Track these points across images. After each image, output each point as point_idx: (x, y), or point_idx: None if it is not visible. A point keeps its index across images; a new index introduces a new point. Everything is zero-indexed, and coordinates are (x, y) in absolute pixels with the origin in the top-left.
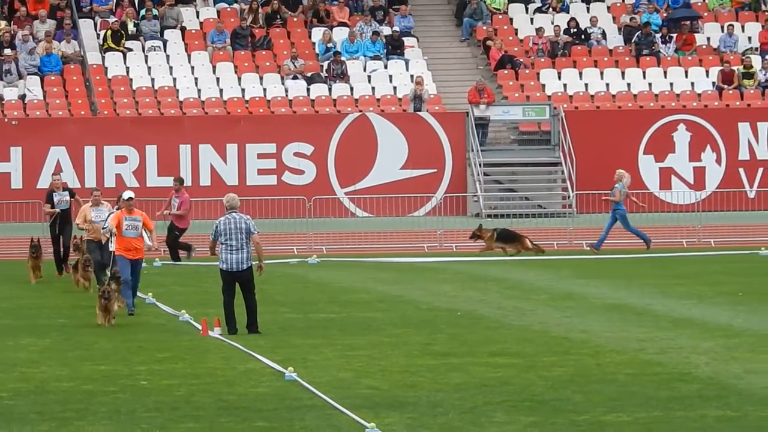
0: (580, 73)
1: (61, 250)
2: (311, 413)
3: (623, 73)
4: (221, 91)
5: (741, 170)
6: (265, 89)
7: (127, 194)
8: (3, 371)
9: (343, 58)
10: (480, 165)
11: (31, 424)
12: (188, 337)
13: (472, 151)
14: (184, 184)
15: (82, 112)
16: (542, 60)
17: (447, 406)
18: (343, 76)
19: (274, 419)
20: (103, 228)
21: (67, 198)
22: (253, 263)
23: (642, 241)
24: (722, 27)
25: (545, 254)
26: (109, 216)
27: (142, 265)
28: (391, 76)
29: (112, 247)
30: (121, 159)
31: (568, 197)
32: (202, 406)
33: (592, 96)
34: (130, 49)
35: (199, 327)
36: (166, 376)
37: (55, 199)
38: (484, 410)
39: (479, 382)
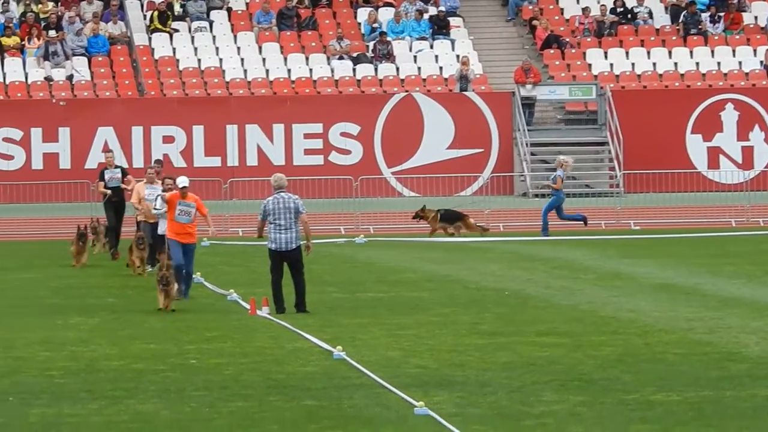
0: (627, 53)
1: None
2: (360, 392)
3: (670, 53)
4: (267, 71)
5: None
6: (311, 69)
7: (181, 181)
8: (53, 350)
9: (388, 39)
10: (527, 144)
11: (81, 403)
12: (236, 317)
13: (519, 130)
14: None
15: (129, 93)
16: (588, 39)
17: (495, 385)
18: (389, 56)
19: (323, 398)
20: (154, 209)
21: (119, 176)
22: (301, 243)
23: (580, 222)
24: None
25: (488, 234)
26: (158, 197)
27: (194, 250)
28: (437, 56)
29: (161, 229)
30: (168, 139)
31: (615, 176)
32: (250, 384)
33: (639, 75)
34: (177, 30)
35: (248, 306)
36: (214, 355)
37: (107, 177)
38: (533, 389)
39: (527, 362)
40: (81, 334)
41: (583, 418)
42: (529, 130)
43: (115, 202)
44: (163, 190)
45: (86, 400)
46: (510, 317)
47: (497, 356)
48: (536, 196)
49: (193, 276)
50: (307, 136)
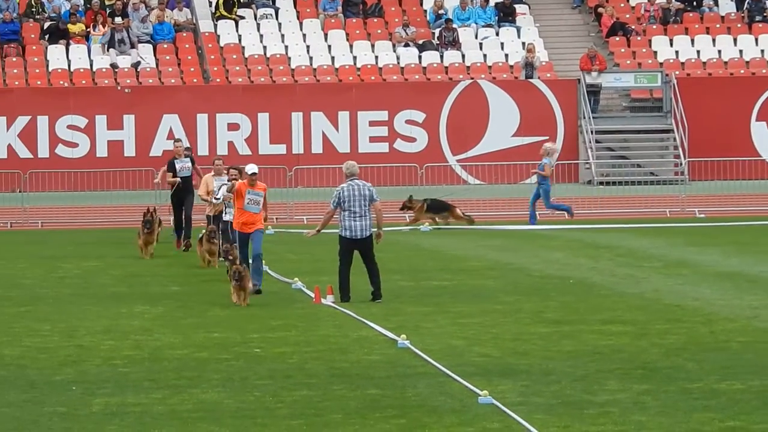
0: (692, 40)
1: (183, 220)
2: (423, 381)
3: (735, 40)
4: (333, 58)
5: None
6: (376, 57)
7: (250, 168)
8: (117, 339)
9: (454, 26)
10: (592, 132)
11: (145, 392)
12: (301, 305)
13: (584, 118)
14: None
15: (195, 80)
16: (654, 27)
17: (559, 373)
18: (455, 44)
19: (387, 386)
20: (215, 198)
21: (189, 165)
22: (372, 231)
23: (565, 212)
24: None
25: (475, 224)
26: (222, 186)
27: (261, 235)
28: (502, 44)
29: (227, 216)
30: (233, 127)
31: (680, 164)
32: (314, 373)
33: (704, 63)
34: (242, 17)
35: (312, 295)
36: (278, 344)
37: (177, 167)
38: (597, 378)
39: (591, 350)
40: (145, 322)
41: (646, 406)
42: (594, 118)
43: (184, 193)
44: (228, 181)
45: (150, 389)
46: (574, 305)
47: (561, 345)
48: (601, 183)
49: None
50: (372, 123)
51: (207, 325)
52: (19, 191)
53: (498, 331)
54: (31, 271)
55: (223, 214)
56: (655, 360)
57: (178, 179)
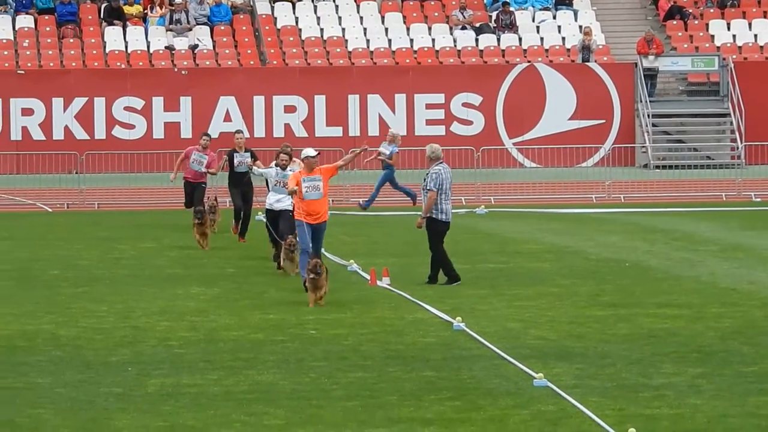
0: (750, 24)
1: (242, 217)
2: (479, 363)
3: None
4: (390, 41)
5: None
6: (433, 39)
7: (308, 151)
8: (173, 320)
9: (511, 9)
10: (648, 116)
11: (200, 373)
12: (356, 287)
13: (641, 101)
14: None
15: (252, 62)
16: (711, 11)
17: (615, 356)
18: (512, 27)
19: (442, 369)
20: (256, 168)
21: (249, 160)
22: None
23: (409, 198)
24: None
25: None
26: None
27: (324, 231)
28: (559, 27)
29: (266, 204)
30: (290, 109)
31: (737, 148)
32: (370, 355)
33: (761, 47)
34: None
35: (368, 277)
36: (334, 326)
37: (236, 161)
38: (652, 361)
39: (647, 333)
40: (200, 304)
41: (702, 390)
42: (650, 102)
43: (244, 187)
44: (277, 165)
45: (205, 370)
46: (630, 289)
47: (617, 328)
48: (657, 167)
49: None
50: (428, 106)
51: (263, 306)
52: (76, 172)
53: (554, 314)
54: (88, 252)
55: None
56: (711, 343)
57: (174, 176)
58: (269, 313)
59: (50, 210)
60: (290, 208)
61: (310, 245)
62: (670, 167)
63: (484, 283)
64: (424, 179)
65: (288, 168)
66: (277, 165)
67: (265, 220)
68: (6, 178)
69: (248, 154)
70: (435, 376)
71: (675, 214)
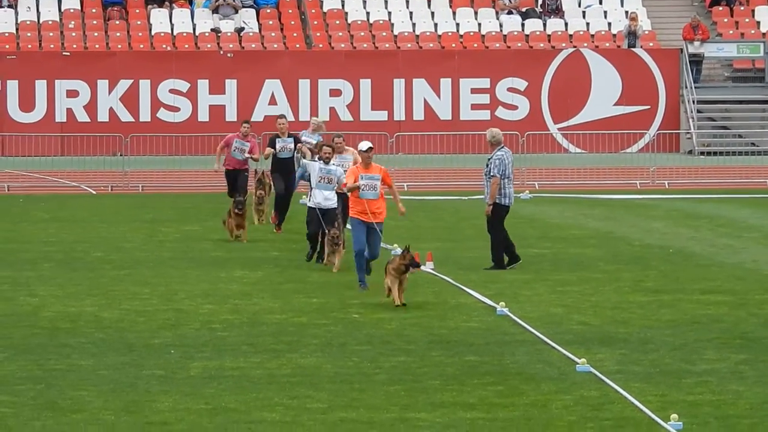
0: None
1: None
2: (522, 348)
3: None
4: (436, 25)
5: None
6: (479, 24)
7: (365, 144)
8: (216, 303)
9: None
10: (693, 102)
11: (243, 356)
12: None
13: (686, 87)
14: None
15: (297, 45)
16: None
17: (658, 342)
18: (558, 12)
19: (485, 353)
20: (298, 163)
21: (291, 146)
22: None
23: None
24: None
25: None
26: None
27: (381, 232)
28: (605, 12)
29: (310, 202)
30: (335, 92)
31: None
32: (413, 339)
33: None
34: None
35: None
36: (377, 310)
37: (278, 146)
38: (695, 347)
39: (690, 319)
40: (244, 287)
41: (744, 376)
42: (696, 88)
43: (285, 173)
44: (319, 158)
45: (248, 353)
46: (674, 275)
47: (660, 314)
48: (702, 153)
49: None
50: (474, 90)
51: (306, 290)
52: (120, 155)
53: (597, 300)
54: (132, 234)
55: (308, 197)
56: (754, 330)
57: (217, 166)
58: (312, 297)
59: (94, 192)
60: (336, 206)
61: (365, 247)
62: (715, 153)
63: (527, 269)
64: (487, 165)
65: (332, 161)
66: (320, 158)
67: (309, 205)
68: (51, 160)
69: (291, 139)
70: (478, 360)
71: (719, 201)
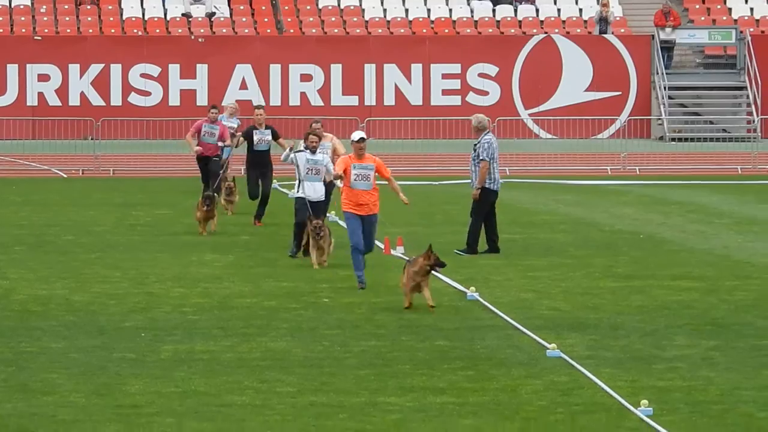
0: None
1: (260, 197)
2: (492, 333)
3: None
4: (407, 11)
5: None
6: (450, 10)
7: (357, 134)
8: (187, 286)
9: None
10: (665, 88)
11: (214, 339)
12: (370, 256)
13: (657, 74)
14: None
15: (268, 30)
16: None
17: (628, 328)
18: None
19: (455, 338)
20: (283, 158)
21: (269, 138)
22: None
23: None
24: None
25: None
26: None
27: (376, 224)
28: None
29: (299, 193)
30: (306, 77)
31: (753, 122)
32: (383, 324)
33: None
34: None
35: (382, 246)
36: (347, 294)
37: (255, 138)
38: (666, 333)
39: (661, 305)
40: (215, 270)
41: (715, 362)
42: (667, 74)
43: (262, 167)
44: (306, 148)
45: (218, 336)
46: (644, 261)
47: (631, 299)
48: (673, 140)
49: (328, 215)
50: (445, 76)
51: (276, 274)
52: (92, 139)
53: (568, 285)
54: (103, 218)
55: (295, 189)
56: (725, 316)
57: (199, 149)
58: (283, 281)
59: (65, 176)
60: (323, 198)
61: (362, 241)
62: (686, 140)
63: (498, 254)
64: (474, 149)
65: (318, 151)
66: (306, 148)
67: (298, 195)
68: (22, 144)
69: (269, 131)
70: (448, 345)
71: (690, 187)
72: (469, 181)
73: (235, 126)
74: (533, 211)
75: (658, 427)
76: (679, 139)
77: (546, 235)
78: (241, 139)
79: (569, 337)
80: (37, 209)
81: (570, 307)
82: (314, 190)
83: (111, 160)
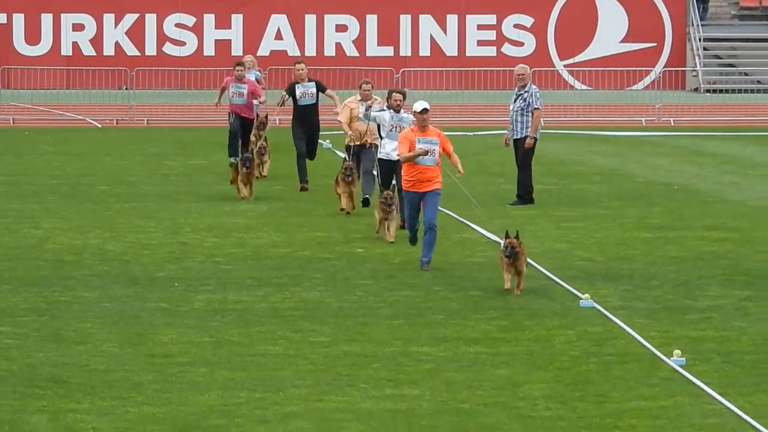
0: None
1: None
2: (526, 283)
3: None
4: None
5: None
6: None
7: (420, 105)
8: (221, 236)
9: None
10: (700, 39)
11: (247, 289)
12: None
13: (693, 25)
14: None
15: None
16: None
17: (661, 278)
18: None
19: (489, 289)
20: (363, 115)
21: (313, 90)
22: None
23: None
24: None
25: None
26: (380, 110)
27: (437, 199)
28: None
29: (380, 153)
30: (341, 28)
31: None
32: (417, 274)
33: None
34: None
35: None
36: (381, 245)
37: (298, 92)
38: (698, 284)
39: (694, 256)
40: (248, 221)
41: (748, 312)
42: (702, 25)
43: (308, 122)
44: (389, 107)
45: (252, 287)
46: (678, 212)
47: (664, 250)
48: (708, 91)
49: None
50: (480, 27)
51: (310, 224)
52: (126, 89)
53: (601, 236)
54: (137, 168)
55: (379, 147)
56: (758, 267)
57: (285, 95)
58: (317, 231)
59: (100, 126)
60: None
61: (415, 226)
62: (721, 91)
63: (532, 204)
64: (522, 99)
65: (375, 106)
66: (389, 107)
67: (379, 156)
68: (56, 94)
69: (312, 84)
70: (481, 295)
71: (724, 138)
72: (507, 132)
73: (253, 78)
74: (567, 162)
75: (691, 377)
76: (714, 91)
77: (580, 186)
78: (285, 95)
79: (602, 288)
80: (72, 159)
81: (604, 257)
82: (393, 149)
83: (145, 110)
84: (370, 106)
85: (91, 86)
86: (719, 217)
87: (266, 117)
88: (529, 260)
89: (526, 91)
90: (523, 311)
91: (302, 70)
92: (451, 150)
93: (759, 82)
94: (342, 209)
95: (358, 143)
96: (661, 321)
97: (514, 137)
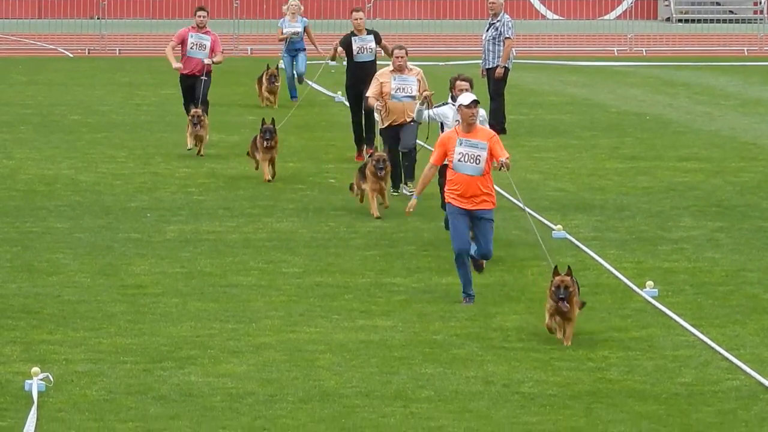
0: None
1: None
2: (498, 214)
3: None
4: None
5: None
6: None
7: (467, 97)
8: (192, 167)
9: None
10: None
11: (219, 220)
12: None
13: None
14: None
15: None
16: None
17: (634, 209)
18: None
19: None
20: (416, 115)
21: (372, 45)
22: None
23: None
24: None
25: None
26: (440, 105)
27: (492, 222)
28: None
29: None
30: None
31: (759, 2)
32: (390, 205)
33: None
34: None
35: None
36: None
37: (355, 47)
38: (671, 214)
39: (666, 186)
40: (221, 150)
41: (720, 243)
42: None
43: (367, 84)
44: (421, 104)
45: (224, 217)
46: (650, 142)
47: (637, 181)
48: (680, 21)
49: (334, 95)
50: None
51: (282, 155)
52: (98, 18)
53: (574, 166)
54: (108, 98)
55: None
56: (730, 198)
57: (179, 65)
58: (288, 161)
59: (71, 55)
60: None
61: (469, 244)
62: (693, 21)
63: (504, 135)
64: (494, 28)
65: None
66: (453, 98)
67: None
68: (27, 23)
69: (371, 36)
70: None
71: (696, 68)
72: (480, 61)
73: (300, 30)
74: (539, 92)
75: (664, 308)
76: (686, 20)
77: (552, 117)
78: (340, 49)
79: (575, 218)
80: (43, 89)
81: (576, 188)
82: None
83: (117, 40)
84: (424, 102)
85: (63, 15)
86: (691, 147)
87: (276, 68)
88: (501, 191)
89: (498, 21)
90: (496, 242)
91: (360, 19)
92: (499, 156)
93: (731, 12)
94: (375, 215)
95: (393, 124)
96: (633, 252)
97: (486, 66)
